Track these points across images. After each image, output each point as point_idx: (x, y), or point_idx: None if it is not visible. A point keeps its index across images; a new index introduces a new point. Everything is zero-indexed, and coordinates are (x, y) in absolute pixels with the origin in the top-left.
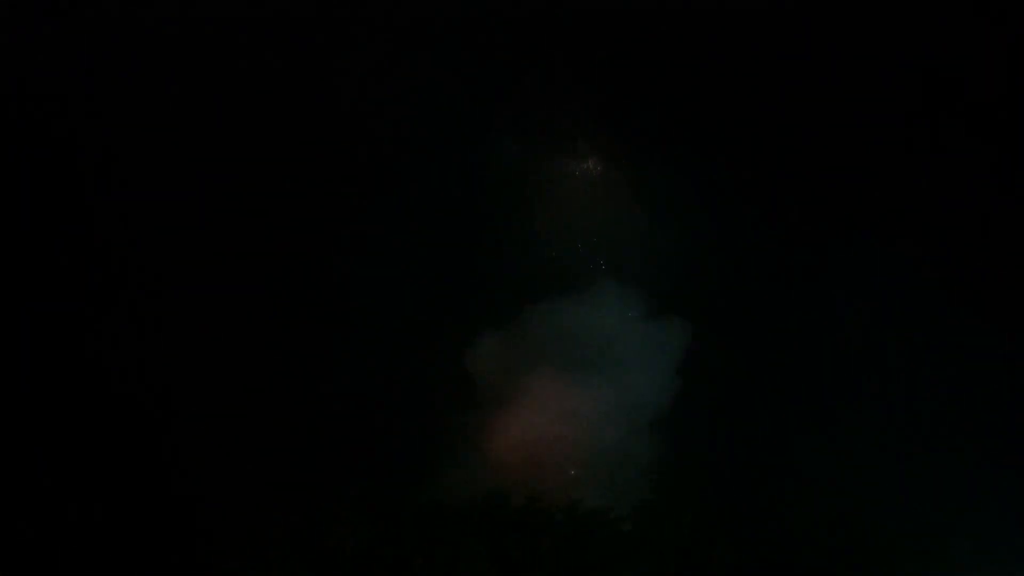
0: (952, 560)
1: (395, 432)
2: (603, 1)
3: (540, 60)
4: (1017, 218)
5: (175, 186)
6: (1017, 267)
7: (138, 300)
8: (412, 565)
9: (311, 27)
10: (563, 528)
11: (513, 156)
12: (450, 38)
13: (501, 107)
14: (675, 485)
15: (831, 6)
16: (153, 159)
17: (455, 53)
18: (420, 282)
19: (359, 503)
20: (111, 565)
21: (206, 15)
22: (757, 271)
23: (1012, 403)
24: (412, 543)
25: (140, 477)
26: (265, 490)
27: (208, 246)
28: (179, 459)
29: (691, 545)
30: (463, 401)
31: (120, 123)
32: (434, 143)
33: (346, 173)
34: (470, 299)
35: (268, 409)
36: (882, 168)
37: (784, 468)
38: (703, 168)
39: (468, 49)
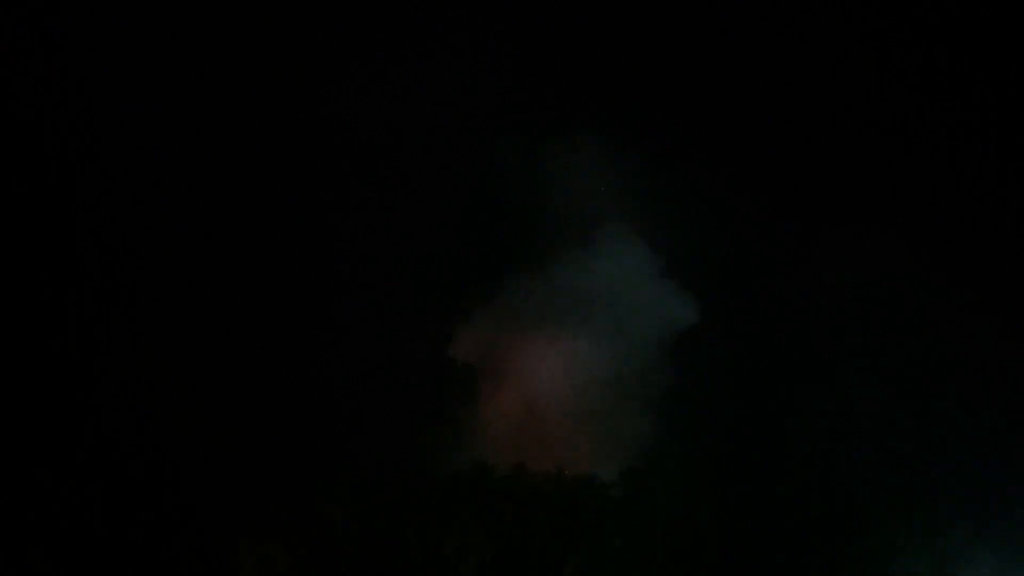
0: (939, 527)
1: (385, 407)
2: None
3: (534, 50)
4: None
5: (176, 182)
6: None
7: (146, 300)
8: (404, 535)
9: (311, 25)
10: (551, 496)
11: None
12: (450, 33)
13: (492, 96)
14: (663, 452)
15: None
16: (156, 156)
17: (453, 46)
18: (409, 260)
19: (351, 478)
20: (113, 545)
21: (208, 15)
22: (755, 249)
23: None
24: (403, 514)
25: (136, 456)
26: (260, 467)
27: (203, 240)
28: (177, 439)
29: (678, 511)
30: (452, 372)
31: (122, 125)
32: (423, 131)
33: (330, 157)
34: (459, 269)
35: (260, 392)
36: (874, 150)
37: (771, 436)
38: (700, 149)
39: (467, 44)
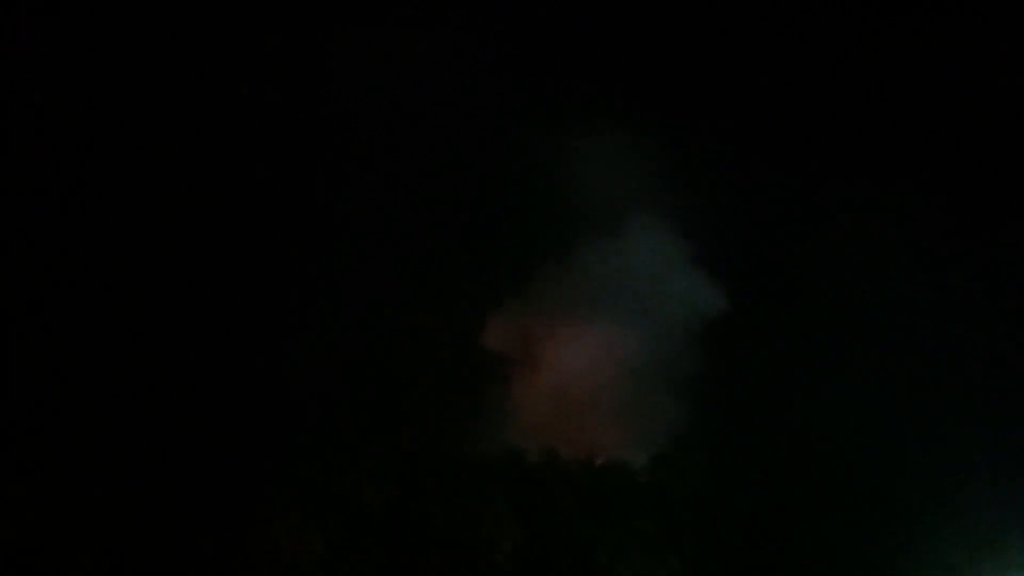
0: (971, 511)
1: (418, 390)
2: None
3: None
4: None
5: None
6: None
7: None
8: (435, 519)
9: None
10: (582, 482)
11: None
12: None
13: (518, 84)
14: (692, 438)
15: None
16: (157, 152)
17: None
18: (439, 249)
19: (385, 464)
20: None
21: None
22: (784, 235)
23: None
24: (435, 498)
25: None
26: (295, 453)
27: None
28: (212, 423)
29: (708, 496)
30: (483, 360)
31: (115, 116)
32: (450, 120)
33: (358, 148)
34: (489, 258)
35: (294, 378)
36: (910, 135)
37: (801, 421)
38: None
39: (491, 30)
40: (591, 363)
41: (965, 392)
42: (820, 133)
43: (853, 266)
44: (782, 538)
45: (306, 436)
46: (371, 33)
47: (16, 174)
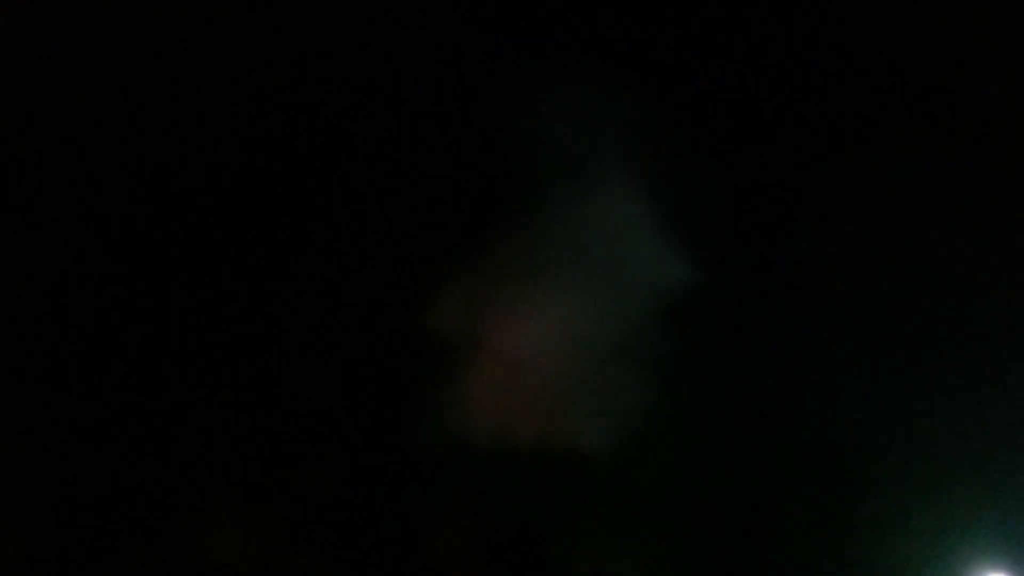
0: (956, 493)
1: (354, 381)
2: None
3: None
4: None
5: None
6: None
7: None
8: (377, 513)
9: None
10: (535, 471)
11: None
12: None
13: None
14: (660, 422)
15: None
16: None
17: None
18: (378, 219)
19: (321, 449)
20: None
21: None
22: (766, 198)
23: None
24: (376, 490)
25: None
26: (236, 440)
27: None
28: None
29: (676, 485)
30: (427, 339)
31: (108, 111)
32: (388, 67)
33: (289, 99)
34: (433, 226)
35: (220, 356)
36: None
37: (780, 404)
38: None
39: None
40: (547, 340)
41: (966, 383)
42: (816, 83)
43: (843, 232)
44: (759, 533)
45: (235, 427)
46: None
47: (15, 173)
